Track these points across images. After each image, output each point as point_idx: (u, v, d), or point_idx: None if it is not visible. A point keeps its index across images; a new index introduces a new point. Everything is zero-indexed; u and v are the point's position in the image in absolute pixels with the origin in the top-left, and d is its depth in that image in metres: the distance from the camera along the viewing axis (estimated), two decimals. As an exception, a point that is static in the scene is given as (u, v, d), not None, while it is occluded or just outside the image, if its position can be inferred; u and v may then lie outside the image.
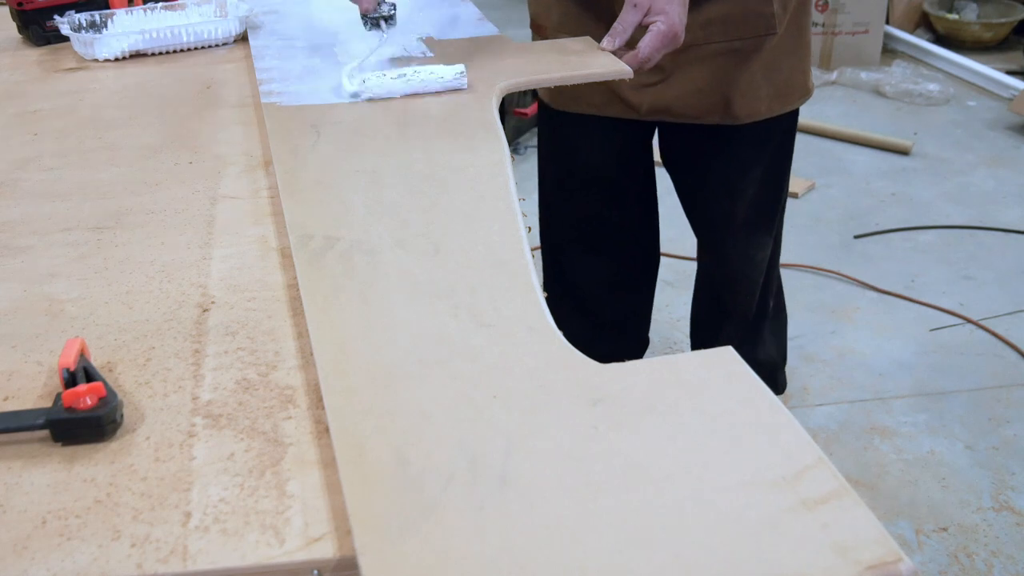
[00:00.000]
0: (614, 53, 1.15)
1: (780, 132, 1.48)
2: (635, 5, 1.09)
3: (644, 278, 1.76)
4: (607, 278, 1.71)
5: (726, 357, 0.68)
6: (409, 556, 0.52)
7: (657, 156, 1.59)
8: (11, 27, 1.50)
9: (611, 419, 0.62)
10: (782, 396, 1.88)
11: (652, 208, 1.68)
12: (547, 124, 1.62)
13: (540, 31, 1.47)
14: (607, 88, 1.44)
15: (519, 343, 0.70)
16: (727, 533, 0.53)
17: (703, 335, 1.77)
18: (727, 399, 0.64)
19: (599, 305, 1.75)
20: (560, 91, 1.51)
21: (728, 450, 0.59)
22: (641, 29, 1.12)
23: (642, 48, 1.10)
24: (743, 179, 1.49)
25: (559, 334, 0.71)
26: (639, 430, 0.61)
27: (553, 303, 1.84)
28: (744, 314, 1.65)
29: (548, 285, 1.80)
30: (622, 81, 1.17)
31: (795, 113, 1.49)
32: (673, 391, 0.64)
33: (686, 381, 0.65)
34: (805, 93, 1.46)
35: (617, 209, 1.62)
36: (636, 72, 1.14)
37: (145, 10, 1.46)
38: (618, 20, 1.10)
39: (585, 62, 1.18)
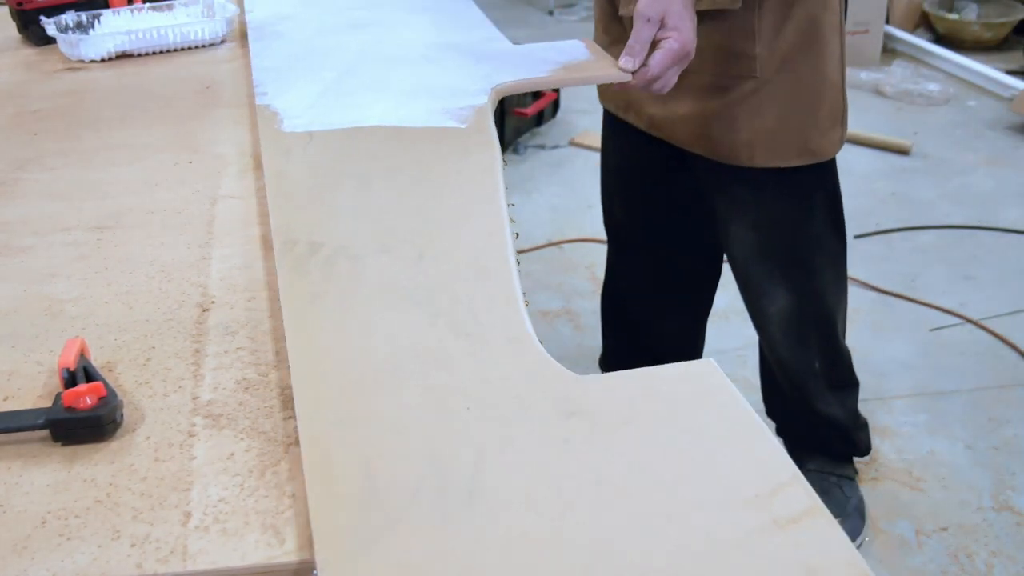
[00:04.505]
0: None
1: (777, 186, 1.37)
2: (648, 20, 1.06)
3: (688, 301, 1.73)
4: (647, 291, 1.71)
5: (706, 370, 0.66)
6: (368, 572, 0.51)
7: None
8: (11, 27, 1.50)
9: (584, 432, 0.61)
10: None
11: (700, 230, 1.60)
12: (603, 122, 1.63)
13: (596, 28, 1.49)
14: (625, 93, 1.43)
15: (497, 353, 0.68)
16: (697, 551, 0.52)
17: (763, 373, 1.73)
18: (704, 413, 0.63)
19: (639, 318, 1.75)
20: (604, 86, 1.52)
21: (702, 466, 0.58)
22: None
23: (652, 66, 1.07)
24: (736, 219, 1.43)
25: (538, 344, 0.69)
26: (612, 444, 0.60)
27: (602, 307, 1.88)
28: (774, 361, 1.60)
29: (602, 290, 1.82)
30: (635, 91, 1.16)
31: (803, 171, 1.35)
32: (650, 404, 0.63)
33: (664, 394, 0.64)
34: (807, 153, 1.33)
35: (653, 221, 1.62)
36: (645, 90, 1.12)
37: (132, 11, 1.46)
38: (632, 36, 1.07)
39: (583, 65, 1.17)
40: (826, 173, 1.42)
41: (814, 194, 1.42)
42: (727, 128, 1.32)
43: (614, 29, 1.42)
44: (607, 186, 1.67)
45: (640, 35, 1.07)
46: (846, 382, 1.66)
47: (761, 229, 1.43)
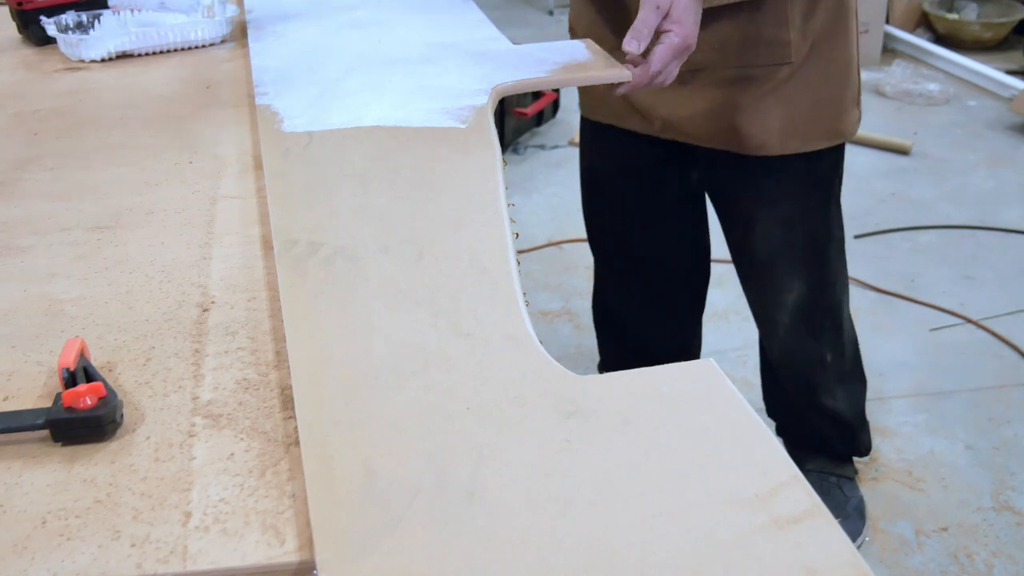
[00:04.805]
0: (631, 62, 1.11)
1: (805, 173, 1.39)
2: (657, 7, 1.06)
3: (683, 306, 1.73)
4: (640, 299, 1.71)
5: (706, 370, 0.66)
6: (369, 572, 0.51)
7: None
8: (11, 27, 1.50)
9: (584, 432, 0.61)
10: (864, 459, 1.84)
11: (692, 232, 1.63)
12: (584, 129, 1.61)
13: (572, 35, 1.47)
14: (626, 98, 1.42)
15: (497, 353, 0.68)
16: (696, 552, 0.52)
17: (763, 371, 1.74)
18: (704, 413, 0.62)
19: (635, 327, 1.75)
20: (589, 97, 1.51)
21: (702, 466, 0.58)
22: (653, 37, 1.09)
23: (653, 61, 1.07)
24: (762, 213, 1.43)
25: (538, 344, 0.69)
26: (612, 444, 0.60)
27: (595, 318, 1.86)
28: (782, 356, 1.59)
29: (592, 301, 1.81)
30: (638, 93, 1.15)
31: (825, 155, 1.38)
32: (650, 404, 0.63)
33: (663, 394, 0.64)
34: (834, 135, 1.36)
35: (647, 227, 1.60)
36: (647, 87, 1.12)
37: (133, 11, 1.46)
38: (639, 19, 1.06)
39: (583, 64, 1.17)
40: (840, 157, 1.44)
41: (833, 180, 1.44)
42: (758, 118, 1.32)
43: (597, 33, 1.38)
44: (595, 198, 1.65)
45: (648, 20, 1.06)
46: (854, 376, 1.66)
47: (788, 222, 1.43)
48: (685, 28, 1.06)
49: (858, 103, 1.39)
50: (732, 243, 1.53)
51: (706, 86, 1.31)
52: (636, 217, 1.60)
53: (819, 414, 1.64)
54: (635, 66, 1.10)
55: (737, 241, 1.51)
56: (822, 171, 1.42)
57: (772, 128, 1.33)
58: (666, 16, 1.06)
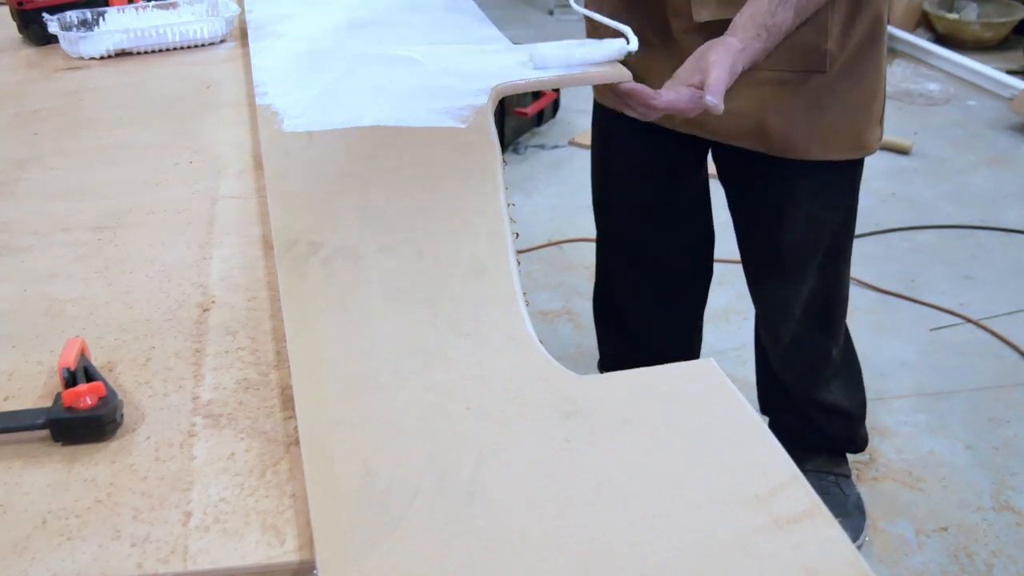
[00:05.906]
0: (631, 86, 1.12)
1: (834, 174, 1.41)
2: (733, 73, 1.08)
3: (687, 304, 1.73)
4: (646, 296, 1.70)
5: (706, 370, 0.67)
6: (369, 572, 0.52)
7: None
8: (11, 27, 1.50)
9: (584, 432, 0.61)
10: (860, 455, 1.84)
11: (701, 229, 1.64)
12: (597, 122, 1.61)
13: (589, 24, 1.47)
14: None
15: (497, 353, 0.68)
16: (695, 552, 0.52)
17: (760, 369, 1.74)
18: (704, 413, 0.63)
19: (638, 324, 1.75)
20: (608, 86, 1.51)
21: (702, 465, 0.58)
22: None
23: (660, 100, 1.09)
24: (792, 207, 1.44)
25: (538, 344, 0.69)
26: (612, 444, 0.60)
27: (596, 314, 1.85)
28: (790, 350, 1.59)
29: (594, 297, 1.80)
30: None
31: (845, 167, 1.39)
32: (650, 404, 0.63)
33: (664, 394, 0.64)
34: (857, 148, 1.37)
35: (659, 224, 1.61)
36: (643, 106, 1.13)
37: (137, 8, 1.46)
38: (715, 79, 1.07)
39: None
40: (862, 166, 1.45)
41: (857, 180, 1.46)
42: (784, 121, 1.33)
43: (657, 41, 1.37)
44: (608, 192, 1.65)
45: (723, 81, 1.08)
46: (851, 365, 1.67)
47: (817, 218, 1.44)
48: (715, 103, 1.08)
49: (881, 120, 1.39)
50: (754, 235, 1.52)
51: (740, 85, 1.31)
52: (651, 212, 1.60)
53: (820, 409, 1.64)
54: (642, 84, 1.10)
55: (762, 233, 1.51)
56: (849, 173, 1.43)
57: (797, 133, 1.34)
58: (704, 82, 1.08)
